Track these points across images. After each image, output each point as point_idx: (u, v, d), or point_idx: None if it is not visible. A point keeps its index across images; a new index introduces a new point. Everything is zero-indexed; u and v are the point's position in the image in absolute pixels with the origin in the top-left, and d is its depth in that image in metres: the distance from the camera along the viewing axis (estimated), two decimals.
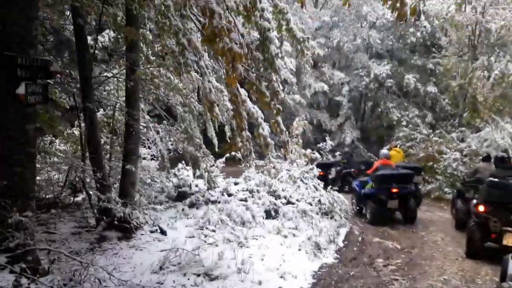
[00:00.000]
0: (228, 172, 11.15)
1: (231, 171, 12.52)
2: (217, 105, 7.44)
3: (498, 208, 6.04)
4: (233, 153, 11.51)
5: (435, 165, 13.75)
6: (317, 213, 7.98)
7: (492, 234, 6.07)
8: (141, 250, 5.11)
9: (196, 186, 9.61)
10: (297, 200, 8.45)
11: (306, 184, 9.58)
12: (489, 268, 5.86)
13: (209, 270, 4.40)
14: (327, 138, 18.75)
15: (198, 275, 4.31)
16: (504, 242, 5.89)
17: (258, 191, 8.66)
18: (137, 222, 5.81)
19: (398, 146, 14.19)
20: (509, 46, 16.11)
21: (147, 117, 8.62)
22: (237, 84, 4.91)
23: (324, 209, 8.23)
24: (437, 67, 21.53)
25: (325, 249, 6.18)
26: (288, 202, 8.35)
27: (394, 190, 8.41)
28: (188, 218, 7.43)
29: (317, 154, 15.52)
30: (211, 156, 9.24)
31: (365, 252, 6.75)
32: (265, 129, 6.67)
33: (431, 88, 21.95)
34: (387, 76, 22.74)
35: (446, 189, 12.90)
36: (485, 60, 15.23)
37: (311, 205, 8.25)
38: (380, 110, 24.44)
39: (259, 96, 4.57)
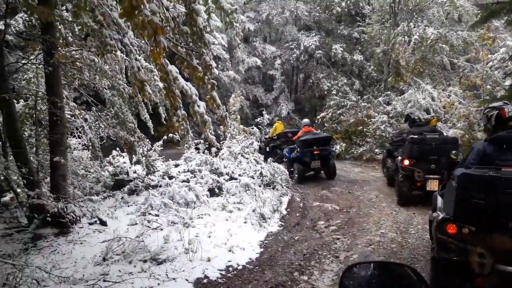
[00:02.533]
0: (168, 155, 10.92)
1: (171, 153, 12.28)
2: (148, 85, 7.16)
3: (419, 160, 6.99)
4: (170, 135, 11.29)
5: (365, 129, 14.56)
6: (260, 185, 8.14)
7: (417, 183, 7.02)
8: (81, 243, 4.86)
9: (134, 172, 9.32)
10: (239, 175, 8.52)
11: (247, 159, 9.70)
12: (420, 219, 6.45)
13: (156, 255, 4.31)
14: (264, 112, 19.01)
15: (145, 261, 4.21)
16: (428, 188, 6.85)
17: (200, 171, 8.60)
18: (73, 216, 5.50)
19: (330, 114, 14.87)
20: (426, 11, 17.18)
21: (73, 104, 8.05)
22: (167, 61, 4.74)
23: (266, 180, 8.41)
24: (362, 35, 22.47)
25: (269, 218, 6.35)
26: (231, 178, 8.41)
27: (316, 152, 9.73)
28: (128, 206, 7.19)
29: (255, 129, 15.81)
30: (147, 140, 8.93)
31: (307, 216, 7.04)
32: (200, 106, 6.56)
33: (358, 56, 22.93)
34: (316, 47, 23.36)
35: (376, 150, 13.76)
36: (405, 26, 16.13)
37: (253, 178, 8.39)
38: (311, 81, 25.13)
39: (191, 71, 4.44)
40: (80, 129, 8.35)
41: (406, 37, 15.80)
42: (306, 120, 11.66)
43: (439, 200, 3.82)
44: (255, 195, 7.22)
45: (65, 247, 4.64)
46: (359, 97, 17.88)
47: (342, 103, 16.93)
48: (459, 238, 2.99)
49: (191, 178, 8.38)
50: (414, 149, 7.12)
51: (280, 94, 26.77)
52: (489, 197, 2.81)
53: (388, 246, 5.26)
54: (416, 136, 7.42)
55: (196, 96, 6.02)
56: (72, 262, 4.18)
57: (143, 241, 4.57)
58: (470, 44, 15.55)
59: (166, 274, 3.98)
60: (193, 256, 4.45)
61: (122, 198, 7.48)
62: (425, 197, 6.84)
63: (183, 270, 4.12)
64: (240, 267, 4.46)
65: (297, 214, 7.21)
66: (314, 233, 6.02)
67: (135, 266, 4.09)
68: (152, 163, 8.89)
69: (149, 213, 6.19)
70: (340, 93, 19.59)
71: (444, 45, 15.25)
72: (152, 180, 8.53)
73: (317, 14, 24.63)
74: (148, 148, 9.47)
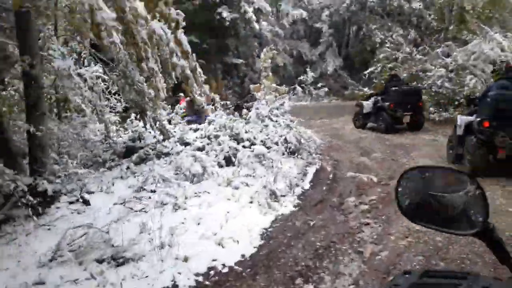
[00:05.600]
0: None
1: None
2: None
3: (397, 103, 10.14)
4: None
5: (419, 85, 12.66)
6: (283, 153, 7.03)
7: (398, 118, 10.29)
8: (48, 229, 4.11)
9: (154, 137, 8.54)
10: (261, 141, 7.44)
11: (275, 121, 8.55)
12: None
13: (119, 252, 3.39)
14: (307, 69, 17.35)
15: (101, 261, 3.30)
16: (404, 121, 10.33)
17: (216, 137, 7.59)
18: (53, 193, 4.79)
19: (380, 68, 13.17)
20: None
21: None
22: None
23: (290, 148, 7.25)
24: None
25: (283, 196, 5.23)
26: (252, 145, 7.34)
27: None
28: (135, 177, 6.40)
29: (298, 88, 14.30)
30: (163, 102, 8.00)
31: (335, 191, 5.86)
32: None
33: (416, 4, 20.27)
34: None
35: (431, 109, 11.91)
36: None
37: (277, 144, 7.29)
38: (362, 33, 22.88)
39: None
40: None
41: None
42: None
43: (459, 119, 6.47)
44: (272, 166, 6.09)
45: (23, 237, 3.88)
46: (414, 48, 15.65)
47: (394, 56, 14.89)
48: (490, 128, 5.65)
49: (207, 144, 7.44)
50: (394, 96, 10.25)
51: (327, 49, 24.77)
52: (508, 106, 5.63)
53: (430, 239, 3.99)
54: (396, 88, 10.45)
55: None
56: (21, 259, 3.41)
57: (107, 232, 3.68)
58: None
59: (121, 283, 3.06)
60: (167, 253, 3.49)
61: (127, 168, 6.70)
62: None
63: (146, 276, 3.17)
64: (225, 270, 3.41)
65: (323, 188, 6.05)
66: (338, 215, 4.86)
67: (85, 269, 3.19)
68: (166, 128, 7.98)
69: (143, 189, 5.34)
70: (392, 45, 17.39)
71: None
72: (165, 147, 7.67)
73: None
74: (168, 111, 8.71)
